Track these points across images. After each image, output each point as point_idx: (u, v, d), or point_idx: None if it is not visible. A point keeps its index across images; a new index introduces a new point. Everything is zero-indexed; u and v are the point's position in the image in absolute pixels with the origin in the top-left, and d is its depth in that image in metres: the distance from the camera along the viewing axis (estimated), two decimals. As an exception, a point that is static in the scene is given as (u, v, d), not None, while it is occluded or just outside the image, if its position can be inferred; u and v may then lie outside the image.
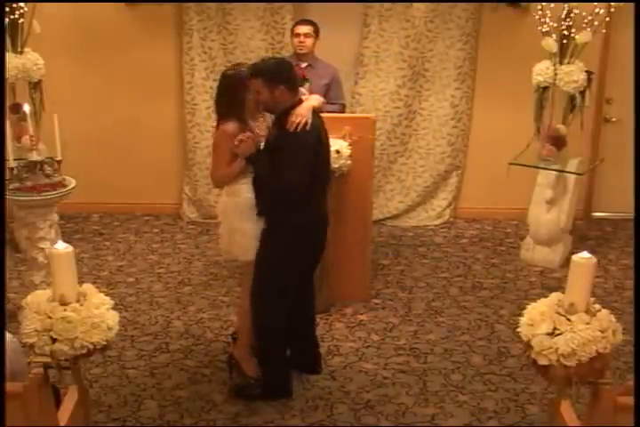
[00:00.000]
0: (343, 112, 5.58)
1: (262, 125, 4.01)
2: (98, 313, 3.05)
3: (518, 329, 3.08)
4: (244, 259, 4.06)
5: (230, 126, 3.87)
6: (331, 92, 5.52)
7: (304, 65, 5.53)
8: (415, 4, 5.99)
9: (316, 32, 5.51)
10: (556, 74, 5.34)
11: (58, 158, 4.50)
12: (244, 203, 3.93)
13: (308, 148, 3.79)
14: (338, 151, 4.54)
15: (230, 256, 4.18)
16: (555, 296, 3.06)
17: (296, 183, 3.75)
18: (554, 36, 5.32)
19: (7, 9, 5.24)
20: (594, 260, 2.95)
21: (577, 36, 5.27)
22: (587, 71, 5.41)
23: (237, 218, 3.96)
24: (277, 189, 3.82)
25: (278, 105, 3.81)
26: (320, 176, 3.93)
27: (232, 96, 3.89)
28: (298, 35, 5.49)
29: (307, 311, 4.30)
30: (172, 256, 5.80)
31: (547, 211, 5.66)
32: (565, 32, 5.26)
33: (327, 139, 4.02)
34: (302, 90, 4.62)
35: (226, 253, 4.18)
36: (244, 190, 3.94)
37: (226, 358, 4.34)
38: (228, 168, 3.90)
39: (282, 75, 3.80)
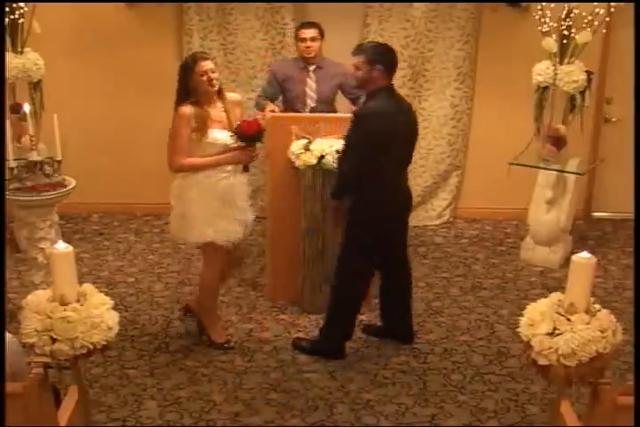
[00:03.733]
0: None
1: (218, 110, 4.31)
2: (98, 313, 3.05)
3: (518, 329, 3.08)
4: (194, 240, 4.42)
5: (187, 109, 4.22)
6: (349, 87, 5.31)
7: (312, 68, 5.49)
8: (415, 4, 5.99)
9: (322, 34, 5.42)
10: (556, 74, 5.34)
11: (58, 158, 4.50)
12: (198, 186, 4.33)
13: (369, 131, 4.06)
14: (338, 151, 4.53)
15: (180, 239, 4.58)
16: (555, 296, 3.06)
17: (345, 173, 4.23)
18: (554, 36, 5.32)
19: (7, 9, 5.24)
20: (594, 260, 2.95)
21: (577, 36, 5.27)
22: (587, 71, 5.41)
23: (190, 201, 4.34)
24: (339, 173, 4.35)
25: (371, 84, 4.18)
26: (394, 154, 4.17)
27: (183, 82, 4.28)
28: (304, 39, 5.38)
29: (402, 284, 4.59)
30: (171, 256, 5.80)
31: (547, 211, 5.66)
32: (565, 32, 5.27)
33: (412, 122, 4.33)
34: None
35: (175, 235, 4.56)
36: (200, 175, 4.31)
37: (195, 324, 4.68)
38: (196, 159, 4.31)
39: (383, 56, 4.17)
